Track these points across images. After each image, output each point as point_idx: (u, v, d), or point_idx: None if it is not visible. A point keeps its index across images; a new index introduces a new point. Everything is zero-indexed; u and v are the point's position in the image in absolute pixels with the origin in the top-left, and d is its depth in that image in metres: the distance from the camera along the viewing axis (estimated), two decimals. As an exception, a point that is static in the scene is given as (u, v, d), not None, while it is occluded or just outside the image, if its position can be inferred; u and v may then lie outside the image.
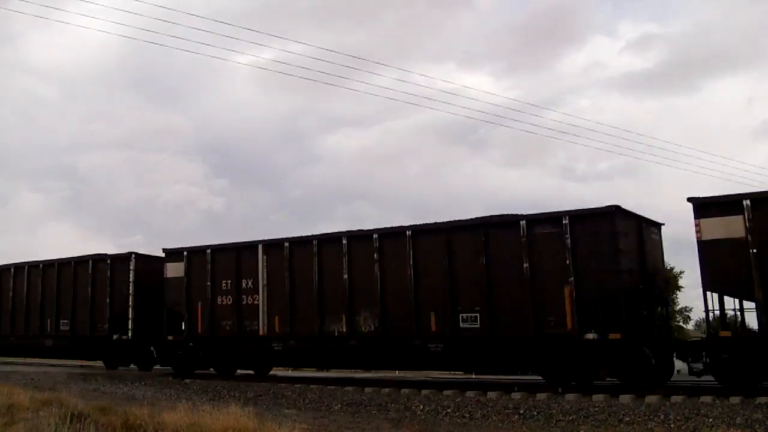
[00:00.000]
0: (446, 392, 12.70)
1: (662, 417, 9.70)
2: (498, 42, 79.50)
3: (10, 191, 77.27)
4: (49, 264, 21.44)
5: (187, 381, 16.33)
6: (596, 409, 10.44)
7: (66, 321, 20.51)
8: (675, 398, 10.68)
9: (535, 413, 10.60)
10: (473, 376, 17.67)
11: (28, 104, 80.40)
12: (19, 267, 22.30)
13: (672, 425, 9.39)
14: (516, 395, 11.96)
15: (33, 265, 21.84)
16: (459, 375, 18.80)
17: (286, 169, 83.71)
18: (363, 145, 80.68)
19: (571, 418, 10.23)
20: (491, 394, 12.15)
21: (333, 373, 19.39)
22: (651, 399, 10.77)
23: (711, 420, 9.33)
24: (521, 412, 10.73)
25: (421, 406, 11.58)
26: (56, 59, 79.12)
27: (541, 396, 11.67)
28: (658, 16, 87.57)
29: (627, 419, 9.86)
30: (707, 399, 10.44)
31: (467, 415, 10.87)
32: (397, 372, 19.30)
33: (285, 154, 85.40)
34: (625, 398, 10.95)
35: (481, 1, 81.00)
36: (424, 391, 12.86)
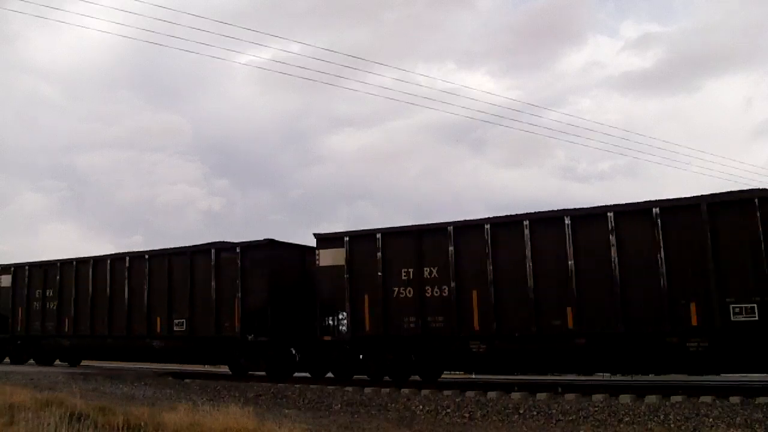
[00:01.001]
0: (446, 392, 12.69)
1: (662, 417, 9.71)
2: (498, 42, 79.46)
3: (11, 192, 77.20)
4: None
5: (187, 381, 16.33)
6: (596, 409, 10.45)
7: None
8: (675, 398, 10.68)
9: (534, 413, 10.60)
10: (473, 376, 17.57)
11: (28, 104, 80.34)
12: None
13: (672, 425, 9.40)
14: (516, 395, 11.96)
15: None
16: (458, 375, 18.74)
17: (286, 169, 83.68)
18: (364, 145, 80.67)
19: (571, 418, 10.24)
20: (491, 394, 12.15)
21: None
22: (651, 399, 10.77)
23: (711, 420, 9.34)
24: (521, 412, 10.74)
25: (421, 406, 11.58)
26: (56, 59, 79.07)
27: (541, 396, 11.67)
28: (661, 15, 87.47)
29: (627, 419, 9.87)
30: (707, 399, 10.44)
31: (467, 415, 10.87)
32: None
33: (286, 154, 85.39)
34: (624, 398, 10.95)
35: (481, 1, 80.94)
36: (424, 391, 12.86)
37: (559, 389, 12.06)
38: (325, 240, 15.41)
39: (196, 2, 60.27)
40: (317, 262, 15.37)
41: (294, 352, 16.76)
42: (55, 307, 20.45)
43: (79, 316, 19.78)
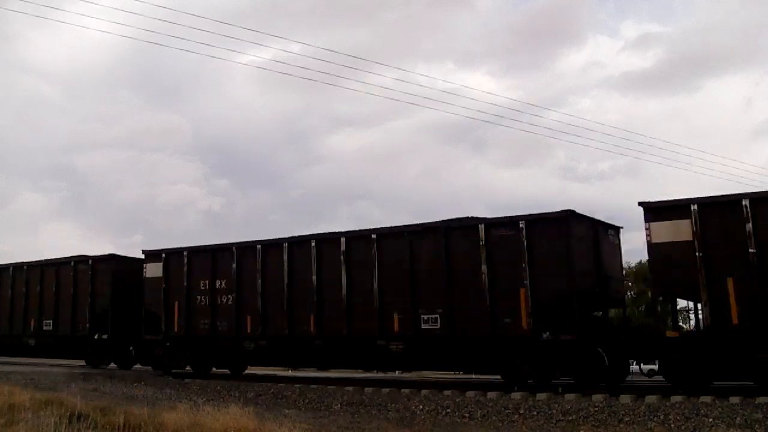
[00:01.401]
0: (446, 392, 12.70)
1: (662, 417, 9.71)
2: (498, 42, 79.63)
3: (11, 192, 77.30)
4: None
5: (187, 381, 16.33)
6: (596, 409, 10.45)
7: None
8: (675, 398, 10.68)
9: (535, 413, 10.61)
10: (473, 376, 17.55)
11: (28, 104, 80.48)
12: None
13: (672, 425, 9.41)
14: (516, 395, 11.96)
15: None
16: (459, 375, 18.76)
17: (286, 169, 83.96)
18: (364, 145, 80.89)
19: (571, 418, 10.24)
20: (491, 394, 12.15)
21: (333, 373, 19.39)
22: (651, 399, 10.77)
23: (711, 420, 9.35)
24: (521, 412, 10.74)
25: (421, 406, 11.59)
26: (56, 59, 79.20)
27: (541, 396, 11.67)
28: (661, 15, 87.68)
29: (627, 419, 9.87)
30: (707, 399, 10.44)
31: (467, 415, 10.88)
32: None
33: (286, 154, 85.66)
34: (625, 398, 10.96)
35: (481, 1, 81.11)
36: (424, 391, 12.87)
37: (560, 389, 12.06)
38: (658, 210, 12.18)
39: (196, 2, 60.38)
40: (648, 238, 12.24)
41: (602, 352, 13.01)
42: (231, 302, 16.94)
43: (269, 312, 16.33)
